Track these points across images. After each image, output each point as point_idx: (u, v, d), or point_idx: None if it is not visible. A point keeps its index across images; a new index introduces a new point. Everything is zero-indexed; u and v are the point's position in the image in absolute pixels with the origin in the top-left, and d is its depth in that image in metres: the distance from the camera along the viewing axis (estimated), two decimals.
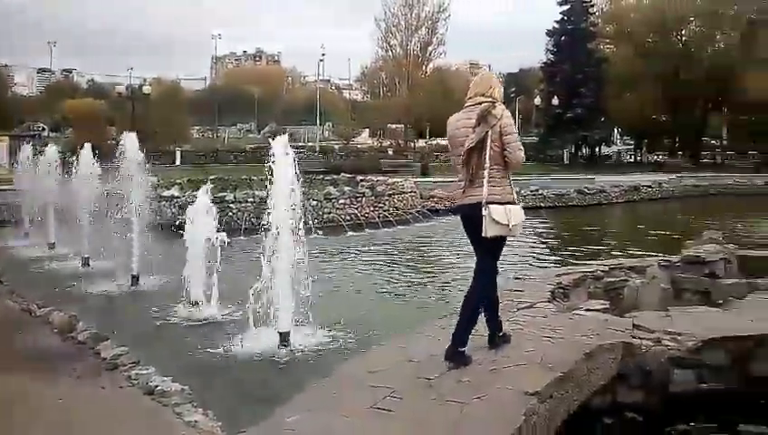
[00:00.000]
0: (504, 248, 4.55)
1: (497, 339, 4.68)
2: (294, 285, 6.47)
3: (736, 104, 48.57)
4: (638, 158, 50.81)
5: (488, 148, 4.22)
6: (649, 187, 25.00)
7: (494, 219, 4.21)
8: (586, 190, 21.40)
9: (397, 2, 53.16)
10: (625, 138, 62.97)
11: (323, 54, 68.79)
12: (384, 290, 9.23)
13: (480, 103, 4.33)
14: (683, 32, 47.41)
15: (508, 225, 4.25)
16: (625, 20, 47.72)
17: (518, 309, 6.03)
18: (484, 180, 4.23)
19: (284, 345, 6.27)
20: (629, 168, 41.04)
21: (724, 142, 60.52)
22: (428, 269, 11.18)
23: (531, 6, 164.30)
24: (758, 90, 42.89)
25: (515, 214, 4.29)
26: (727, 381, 5.06)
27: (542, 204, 20.42)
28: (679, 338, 5.13)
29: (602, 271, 7.88)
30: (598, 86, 43.11)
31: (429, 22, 53.79)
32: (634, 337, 5.17)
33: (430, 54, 55.85)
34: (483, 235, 4.25)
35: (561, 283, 7.24)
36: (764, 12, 45.44)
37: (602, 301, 7.02)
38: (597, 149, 46.71)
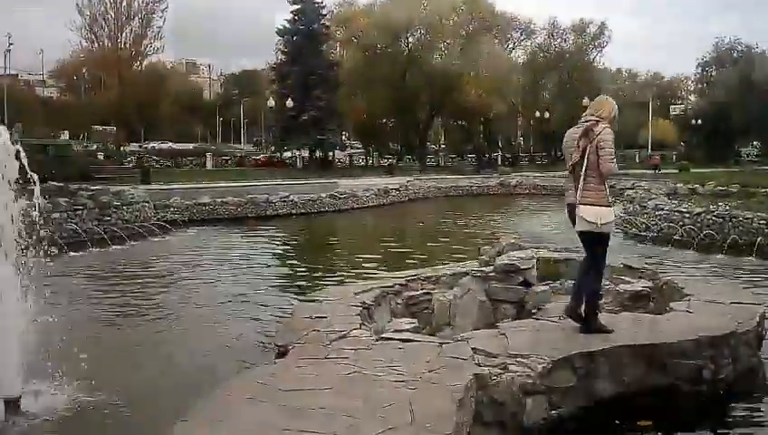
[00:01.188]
0: (606, 244, 5.44)
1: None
2: (19, 332, 5.10)
3: (453, 110, 53.73)
4: (370, 161, 53.19)
5: (587, 158, 5.23)
6: (397, 189, 25.92)
7: (583, 217, 5.23)
8: (338, 195, 21.33)
9: None
10: (353, 142, 65.89)
11: (11, 44, 61.02)
12: (139, 337, 7.46)
13: (588, 121, 5.33)
14: (409, 38, 50.82)
15: (596, 223, 5.21)
16: (355, 24, 49.72)
17: (331, 341, 5.20)
18: (580, 184, 5.25)
19: (13, 415, 4.83)
20: (363, 171, 42.66)
21: (443, 146, 66.81)
22: (176, 298, 9.36)
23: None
24: (470, 98, 48.07)
25: (604, 215, 5.25)
26: (575, 403, 4.81)
27: (293, 211, 19.77)
28: (525, 361, 4.75)
29: (400, 285, 7.40)
30: (331, 89, 43.96)
31: (143, 12, 50.37)
32: (478, 365, 4.67)
33: (145, 49, 52.37)
34: (575, 228, 5.36)
35: (364, 302, 6.56)
36: (480, 27, 51.00)
37: (409, 319, 6.52)
38: (331, 153, 47.66)
